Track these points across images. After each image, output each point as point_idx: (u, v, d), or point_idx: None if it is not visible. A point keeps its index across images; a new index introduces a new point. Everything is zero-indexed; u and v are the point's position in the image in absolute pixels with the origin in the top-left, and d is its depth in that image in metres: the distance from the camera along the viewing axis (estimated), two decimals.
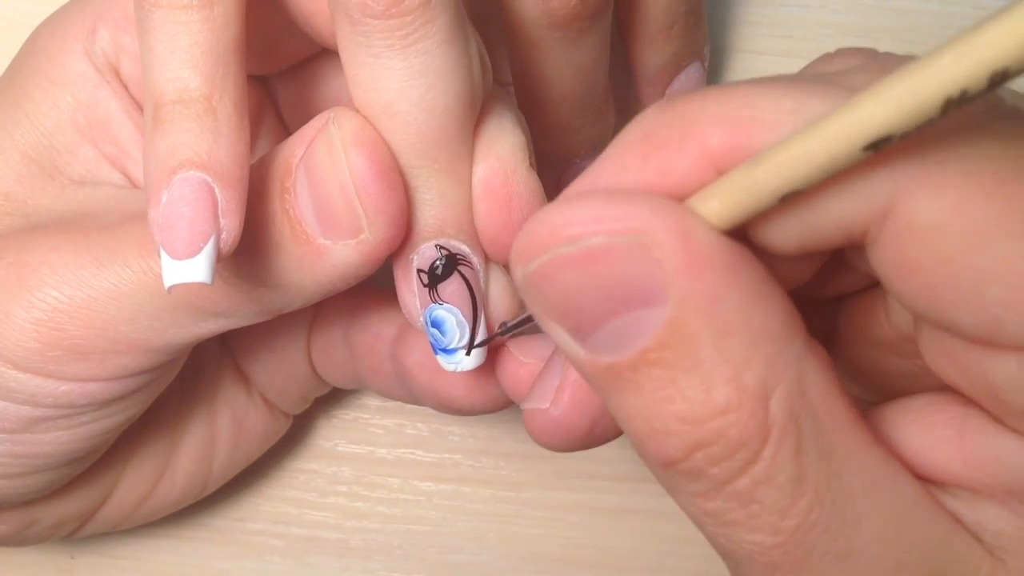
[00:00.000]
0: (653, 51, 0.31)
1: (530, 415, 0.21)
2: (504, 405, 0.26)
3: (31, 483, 0.26)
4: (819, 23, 0.36)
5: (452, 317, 0.23)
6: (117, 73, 0.26)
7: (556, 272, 0.16)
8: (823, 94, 0.16)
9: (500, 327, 0.23)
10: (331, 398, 0.35)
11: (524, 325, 0.23)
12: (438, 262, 0.22)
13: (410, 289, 0.23)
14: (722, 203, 0.16)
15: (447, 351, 0.23)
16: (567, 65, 0.27)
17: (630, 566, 0.35)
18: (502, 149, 0.23)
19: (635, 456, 0.36)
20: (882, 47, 0.36)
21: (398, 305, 0.24)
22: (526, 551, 0.35)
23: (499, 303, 0.24)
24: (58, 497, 0.28)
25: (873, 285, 0.18)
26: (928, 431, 0.18)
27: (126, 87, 0.26)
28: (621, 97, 0.32)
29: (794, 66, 0.36)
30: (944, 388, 0.18)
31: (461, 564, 0.35)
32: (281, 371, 0.31)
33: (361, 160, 0.21)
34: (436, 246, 0.22)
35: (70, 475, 0.27)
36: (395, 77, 0.21)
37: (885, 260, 0.16)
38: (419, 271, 0.23)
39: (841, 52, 0.21)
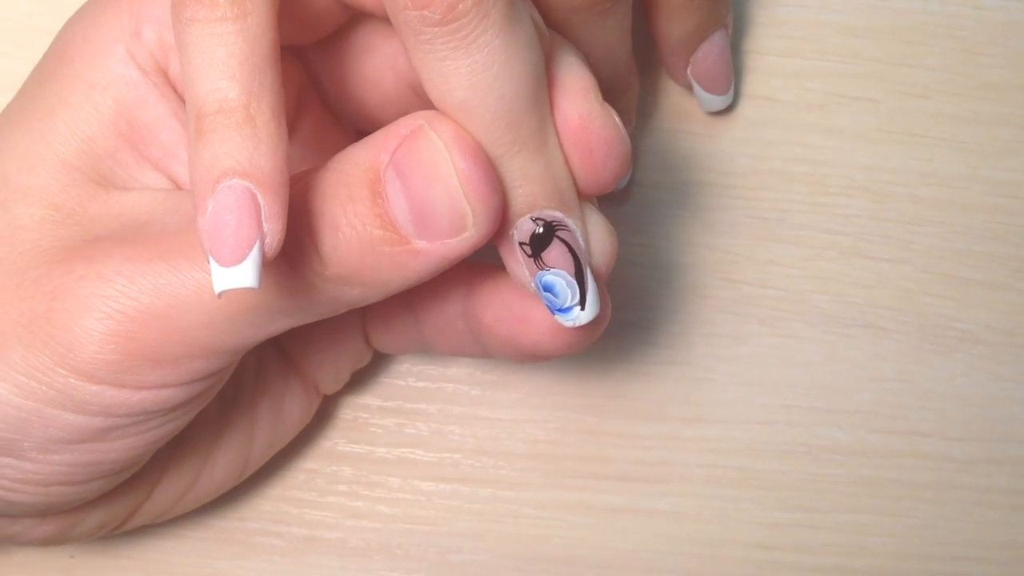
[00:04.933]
0: (676, 22, 0.31)
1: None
2: (583, 346, 0.27)
3: (92, 488, 0.26)
4: (819, 23, 0.36)
5: (561, 280, 0.24)
6: (165, 74, 0.26)
7: None
8: None
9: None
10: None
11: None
12: (537, 231, 0.24)
13: (517, 261, 0.24)
14: None
15: (563, 310, 0.25)
16: (592, 45, 0.28)
17: (630, 566, 0.35)
18: (574, 94, 0.24)
19: (636, 456, 0.36)
20: (882, 47, 0.36)
21: (460, 267, 0.24)
22: (526, 551, 0.35)
23: (601, 250, 0.25)
24: (105, 498, 0.28)
25: None
26: None
27: (174, 87, 0.26)
28: (644, 66, 0.32)
29: (794, 66, 0.36)
30: None
31: (461, 564, 0.35)
32: (332, 347, 0.31)
33: (466, 161, 0.22)
34: (532, 219, 0.24)
35: (124, 478, 0.27)
36: (463, 75, 0.22)
37: None
38: (521, 244, 0.24)
39: None
